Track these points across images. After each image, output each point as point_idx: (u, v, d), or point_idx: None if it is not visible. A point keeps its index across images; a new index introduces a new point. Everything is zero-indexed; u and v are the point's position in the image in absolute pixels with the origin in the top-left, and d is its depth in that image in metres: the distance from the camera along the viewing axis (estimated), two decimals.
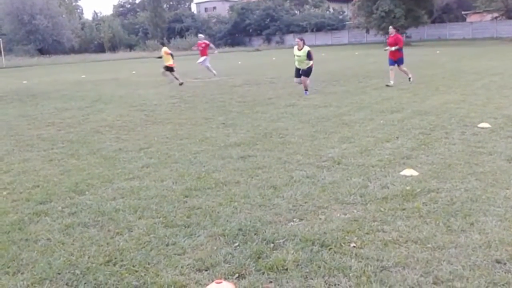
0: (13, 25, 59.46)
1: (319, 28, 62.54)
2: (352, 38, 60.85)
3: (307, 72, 12.32)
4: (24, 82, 22.36)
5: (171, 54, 16.69)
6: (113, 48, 66.14)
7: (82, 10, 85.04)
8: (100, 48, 66.08)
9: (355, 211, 4.17)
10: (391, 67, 13.75)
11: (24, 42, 59.12)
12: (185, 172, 5.62)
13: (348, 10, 66.28)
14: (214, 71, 18.92)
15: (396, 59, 13.65)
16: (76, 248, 3.63)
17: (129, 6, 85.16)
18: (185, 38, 63.50)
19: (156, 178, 5.45)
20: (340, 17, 65.39)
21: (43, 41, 59.95)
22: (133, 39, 71.01)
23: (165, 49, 16.89)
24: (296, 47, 12.34)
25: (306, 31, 61.08)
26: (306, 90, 12.40)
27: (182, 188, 5.00)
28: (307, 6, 70.44)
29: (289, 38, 60.78)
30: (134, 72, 26.59)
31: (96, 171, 5.85)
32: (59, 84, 20.13)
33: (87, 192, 5.00)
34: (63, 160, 6.50)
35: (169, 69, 16.74)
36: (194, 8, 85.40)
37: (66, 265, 3.35)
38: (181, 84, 16.48)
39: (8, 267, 3.36)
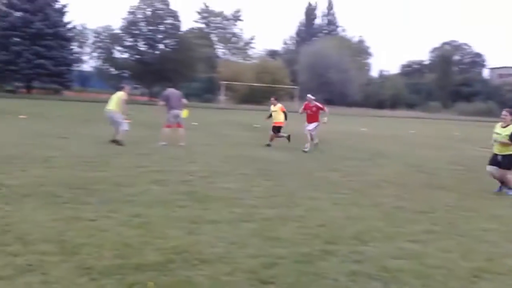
0: (309, 76, 67.25)
1: None
2: None
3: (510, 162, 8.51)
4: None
5: (285, 113, 14.70)
6: (393, 105, 67.41)
7: (370, 67, 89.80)
8: (381, 104, 68.25)
9: None
10: None
11: (315, 91, 65.83)
12: (473, 249, 5.17)
13: None
14: (315, 140, 14.61)
15: None
16: None
17: (416, 66, 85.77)
18: (471, 102, 59.85)
19: (441, 248, 5.17)
20: None
21: (331, 92, 65.66)
22: (414, 98, 70.96)
23: (280, 105, 14.88)
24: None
25: None
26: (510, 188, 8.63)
27: (471, 267, 4.59)
28: None
29: None
30: (413, 131, 26.41)
31: (377, 224, 5.95)
32: (342, 134, 21.57)
33: (370, 244, 5.12)
34: (347, 206, 6.85)
35: (278, 129, 14.58)
36: (486, 73, 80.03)
37: None
38: (288, 137, 14.65)
39: None
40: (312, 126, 14.28)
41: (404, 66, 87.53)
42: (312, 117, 14.39)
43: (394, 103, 69.40)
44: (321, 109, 14.48)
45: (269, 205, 6.65)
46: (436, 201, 7.68)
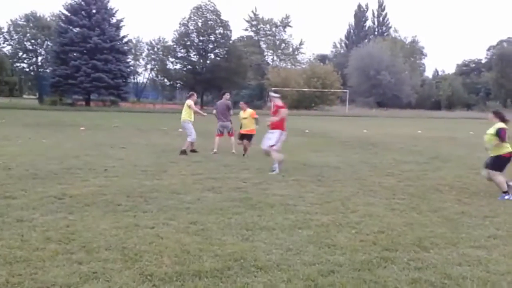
0: (360, 79, 66.20)
1: None
2: None
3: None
4: (364, 131, 24.36)
5: (256, 119, 13.03)
6: (450, 106, 65.09)
7: (424, 67, 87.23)
8: (436, 106, 66.09)
9: None
10: None
11: (366, 94, 64.85)
12: None
13: None
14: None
15: None
16: None
17: (473, 65, 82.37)
18: None
19: (506, 253, 4.92)
20: None
21: (383, 95, 64.34)
22: (472, 98, 68.22)
23: (251, 111, 13.06)
24: None
25: None
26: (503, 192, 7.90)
27: None
28: None
29: None
30: (472, 132, 25.32)
31: (438, 230, 5.73)
32: (396, 136, 21.03)
33: (431, 250, 4.94)
34: (405, 212, 6.65)
35: (249, 137, 12.85)
36: None
37: None
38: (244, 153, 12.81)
39: None
40: (268, 138, 10.43)
41: (460, 65, 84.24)
42: (273, 123, 10.53)
43: (450, 103, 67.03)
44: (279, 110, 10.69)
45: (323, 211, 6.58)
46: (499, 205, 7.32)
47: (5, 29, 60.57)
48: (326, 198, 7.46)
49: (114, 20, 48.87)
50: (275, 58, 73.97)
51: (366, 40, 78.00)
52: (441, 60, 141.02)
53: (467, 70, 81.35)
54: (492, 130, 8.31)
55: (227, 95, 14.31)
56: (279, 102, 10.88)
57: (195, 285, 3.84)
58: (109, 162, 10.67)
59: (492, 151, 8.31)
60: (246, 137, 12.90)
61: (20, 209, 6.14)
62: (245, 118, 12.95)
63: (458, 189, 8.58)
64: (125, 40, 51.01)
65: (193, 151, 12.95)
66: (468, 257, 4.77)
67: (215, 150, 12.98)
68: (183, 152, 12.45)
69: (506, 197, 7.87)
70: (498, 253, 4.91)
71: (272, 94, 11.46)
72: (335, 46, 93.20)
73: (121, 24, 49.49)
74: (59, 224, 5.49)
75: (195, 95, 13.86)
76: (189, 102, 13.18)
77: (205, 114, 14.84)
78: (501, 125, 8.22)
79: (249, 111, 13.03)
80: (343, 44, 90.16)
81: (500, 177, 8.08)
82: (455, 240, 5.33)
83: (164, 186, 8.07)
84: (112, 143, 14.88)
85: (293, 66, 70.29)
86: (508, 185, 8.00)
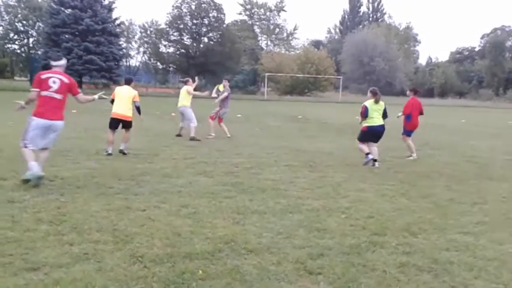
0: (353, 66, 66.08)
1: None
2: None
3: None
4: (356, 117, 24.37)
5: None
6: (443, 94, 65.34)
7: (418, 55, 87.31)
8: (430, 93, 66.28)
9: None
10: None
11: (359, 81, 64.84)
12: None
13: None
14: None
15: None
16: None
17: (467, 53, 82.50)
18: None
19: (493, 239, 4.99)
20: None
21: (377, 82, 64.24)
22: (465, 86, 68.51)
23: (188, 88, 13.00)
24: None
25: None
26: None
27: None
28: None
29: None
30: (463, 120, 25.51)
31: (427, 216, 5.80)
32: (388, 123, 21.01)
33: (419, 235, 5.01)
34: (395, 198, 6.72)
35: None
36: None
37: None
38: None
39: (348, 287, 3.66)
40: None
41: (454, 53, 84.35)
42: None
43: (443, 91, 67.31)
44: None
45: (314, 196, 6.63)
46: (489, 192, 7.42)
47: None
48: (318, 184, 7.51)
49: (106, 2, 48.18)
50: (269, 43, 73.67)
51: (360, 26, 77.73)
52: (434, 48, 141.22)
53: (460, 57, 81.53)
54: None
55: (226, 82, 13.94)
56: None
57: (186, 266, 3.88)
58: (101, 145, 10.62)
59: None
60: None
61: (11, 190, 6.12)
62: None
63: (448, 176, 8.66)
64: (117, 22, 50.38)
65: (179, 135, 12.93)
66: (456, 242, 4.84)
67: (212, 134, 13.14)
68: (193, 138, 12.29)
69: (369, 157, 9.49)
70: (486, 239, 4.99)
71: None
72: (329, 31, 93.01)
73: (113, 6, 48.72)
74: (50, 206, 5.49)
75: (191, 80, 13.71)
76: (189, 88, 13.02)
77: (206, 92, 14.78)
78: (365, 102, 9.87)
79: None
80: (337, 30, 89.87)
81: (361, 145, 9.84)
82: (443, 226, 5.40)
83: (156, 169, 8.07)
84: (103, 126, 14.78)
85: (287, 52, 70.03)
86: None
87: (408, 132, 11.30)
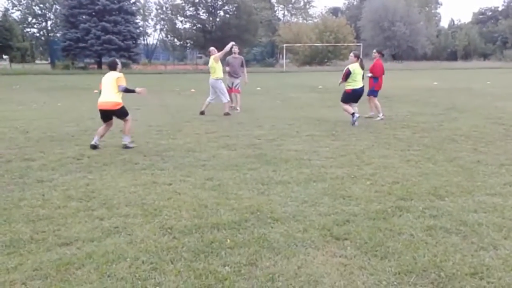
0: (373, 32, 64.68)
1: None
2: None
3: None
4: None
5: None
6: (466, 56, 63.64)
7: (440, 17, 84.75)
8: (453, 56, 64.71)
9: None
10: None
11: (380, 47, 63.34)
12: None
13: None
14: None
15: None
16: (439, 251, 3.65)
17: (490, 13, 79.71)
18: None
19: None
20: None
21: (398, 47, 63.01)
22: (489, 48, 66.49)
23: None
24: None
25: None
26: None
27: None
28: None
29: None
30: (489, 82, 24.85)
31: (454, 179, 5.73)
32: (411, 89, 20.72)
33: (446, 198, 4.96)
34: (420, 163, 6.65)
35: None
36: None
37: (431, 264, 3.41)
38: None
39: (376, 251, 3.66)
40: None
41: (476, 14, 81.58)
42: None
43: (467, 54, 65.56)
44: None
45: (338, 165, 6.61)
46: None
47: None
48: (341, 152, 7.47)
49: None
50: (286, 13, 72.49)
51: None
52: (456, 9, 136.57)
53: (483, 18, 78.87)
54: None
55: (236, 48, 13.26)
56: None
57: (214, 236, 3.94)
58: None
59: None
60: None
61: (40, 170, 6.28)
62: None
63: (474, 139, 8.50)
64: (133, 0, 50.24)
65: (202, 113, 12.20)
66: (483, 204, 4.78)
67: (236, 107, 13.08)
68: (227, 114, 11.98)
69: (356, 116, 10.20)
70: None
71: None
72: None
73: None
74: (78, 183, 5.62)
75: (213, 48, 12.71)
76: (215, 56, 12.16)
77: (230, 44, 12.93)
78: (350, 65, 10.36)
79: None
80: None
81: (346, 106, 10.49)
82: (470, 188, 5.33)
83: (179, 145, 8.14)
84: (126, 104, 14.93)
85: (304, 21, 68.87)
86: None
87: (375, 93, 11.68)
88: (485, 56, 64.04)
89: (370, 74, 11.59)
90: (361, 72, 10.40)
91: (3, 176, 5.99)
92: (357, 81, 10.31)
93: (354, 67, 10.27)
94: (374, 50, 12.14)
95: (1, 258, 3.59)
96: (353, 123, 10.19)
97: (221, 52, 12.26)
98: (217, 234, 4.00)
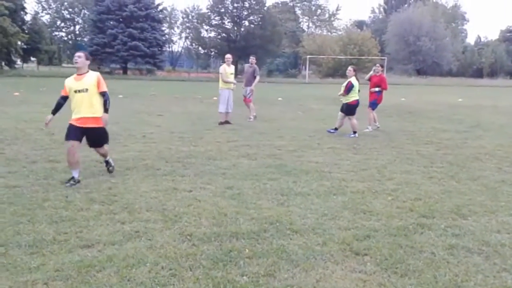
0: (398, 45, 64.16)
1: None
2: None
3: None
4: (402, 99, 23.81)
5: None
6: (492, 74, 62.62)
7: (466, 34, 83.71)
8: (478, 73, 63.75)
9: None
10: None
11: (405, 62, 63.02)
12: None
13: None
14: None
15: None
16: (461, 270, 3.58)
17: None
18: None
19: None
20: None
21: (423, 62, 62.36)
22: None
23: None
24: None
25: None
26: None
27: None
28: None
29: None
30: None
31: (477, 198, 5.63)
32: (435, 104, 20.49)
33: (469, 218, 4.88)
34: (443, 180, 6.55)
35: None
36: None
37: (452, 284, 3.36)
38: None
39: (396, 268, 3.62)
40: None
41: (504, 32, 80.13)
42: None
43: (493, 71, 64.48)
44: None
45: (359, 178, 6.56)
46: None
47: None
48: (362, 166, 7.42)
49: None
50: (310, 24, 72.62)
51: (406, 5, 75.17)
52: (483, 26, 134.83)
53: (511, 36, 77.49)
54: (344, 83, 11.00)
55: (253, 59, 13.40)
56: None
57: (232, 245, 3.95)
58: (148, 128, 10.90)
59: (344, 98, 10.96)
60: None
61: (64, 172, 6.39)
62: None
63: (499, 158, 8.35)
64: (160, 8, 51.09)
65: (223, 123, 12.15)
66: (507, 225, 4.69)
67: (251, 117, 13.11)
68: (221, 123, 12.03)
69: (352, 135, 10.59)
70: None
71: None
72: (373, 11, 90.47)
73: None
74: (101, 187, 5.71)
75: (228, 56, 12.60)
76: (220, 68, 12.45)
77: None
78: (351, 78, 10.81)
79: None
80: (381, 9, 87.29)
81: (353, 120, 10.80)
82: (494, 208, 5.23)
83: (200, 152, 8.20)
84: (149, 110, 15.15)
85: (329, 33, 68.85)
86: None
87: (376, 106, 11.96)
88: (511, 74, 62.93)
89: (378, 88, 11.72)
90: (358, 85, 10.84)
91: (28, 177, 6.12)
92: (356, 94, 10.81)
93: (355, 81, 10.76)
94: (378, 65, 12.34)
95: (24, 257, 3.66)
96: (353, 136, 10.56)
97: (227, 79, 12.15)
98: (235, 243, 4.01)
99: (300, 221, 4.63)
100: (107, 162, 6.50)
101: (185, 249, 3.86)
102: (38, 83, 28.75)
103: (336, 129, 11.07)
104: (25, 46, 46.72)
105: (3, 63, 43.38)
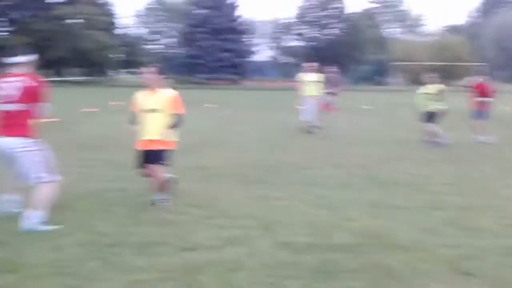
0: (496, 51, 60.06)
1: None
2: None
3: None
4: (507, 108, 22.01)
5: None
6: None
7: None
8: None
9: None
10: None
11: (503, 68, 58.75)
12: None
13: None
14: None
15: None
16: None
17: None
18: None
19: None
20: None
21: None
22: None
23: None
24: None
25: None
26: None
27: None
28: None
29: None
30: None
31: None
32: None
33: None
34: None
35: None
36: None
37: None
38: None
39: None
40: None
41: None
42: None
43: None
44: None
45: (458, 192, 6.21)
46: None
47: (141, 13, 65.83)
48: (461, 179, 7.03)
49: (229, 1, 50.18)
50: (397, 30, 70.35)
51: (505, 8, 70.25)
52: None
53: None
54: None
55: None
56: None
57: (330, 257, 3.90)
58: (238, 137, 11.19)
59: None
60: None
61: None
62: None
63: None
64: (244, 19, 52.33)
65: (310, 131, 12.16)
66: None
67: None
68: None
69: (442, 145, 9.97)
70: None
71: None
72: (469, 16, 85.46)
73: (236, 4, 50.69)
74: (198, 192, 5.93)
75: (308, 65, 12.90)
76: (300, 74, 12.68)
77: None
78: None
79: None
80: (477, 14, 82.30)
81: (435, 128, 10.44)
82: None
83: (287, 160, 8.24)
84: (238, 119, 15.53)
85: (418, 39, 66.17)
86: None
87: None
88: None
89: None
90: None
91: (134, 181, 6.49)
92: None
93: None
94: (481, 74, 12.37)
95: (132, 257, 3.88)
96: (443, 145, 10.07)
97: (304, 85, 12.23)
98: (333, 255, 3.96)
99: (398, 236, 4.47)
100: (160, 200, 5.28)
101: (285, 257, 3.89)
102: (131, 93, 30.58)
103: (434, 142, 10.19)
104: (120, 59, 50.00)
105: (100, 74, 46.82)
